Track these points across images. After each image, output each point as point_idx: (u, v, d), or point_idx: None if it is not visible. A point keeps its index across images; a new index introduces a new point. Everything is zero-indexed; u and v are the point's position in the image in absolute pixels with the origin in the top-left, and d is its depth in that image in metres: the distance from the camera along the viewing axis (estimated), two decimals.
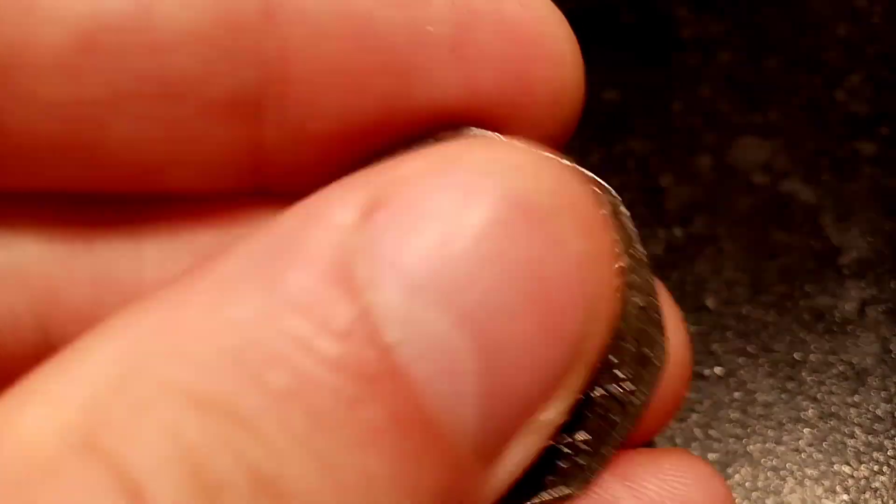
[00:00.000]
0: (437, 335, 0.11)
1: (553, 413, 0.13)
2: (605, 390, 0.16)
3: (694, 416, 0.26)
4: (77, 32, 0.13)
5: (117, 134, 0.14)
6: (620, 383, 0.16)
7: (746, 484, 0.25)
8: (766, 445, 0.26)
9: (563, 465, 0.16)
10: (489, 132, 0.15)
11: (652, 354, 0.16)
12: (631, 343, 0.16)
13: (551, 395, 0.13)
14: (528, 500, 0.17)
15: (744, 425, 0.26)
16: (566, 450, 0.16)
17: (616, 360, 0.16)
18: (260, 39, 0.14)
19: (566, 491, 0.17)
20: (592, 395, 0.16)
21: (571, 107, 0.15)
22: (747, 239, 0.29)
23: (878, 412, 0.26)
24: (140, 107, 0.14)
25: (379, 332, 0.11)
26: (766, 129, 0.31)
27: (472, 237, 0.11)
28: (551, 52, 0.14)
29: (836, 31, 0.33)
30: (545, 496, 0.16)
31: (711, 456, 0.26)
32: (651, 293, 0.16)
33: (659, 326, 0.16)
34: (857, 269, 0.28)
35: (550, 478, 0.17)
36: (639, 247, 0.16)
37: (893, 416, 0.26)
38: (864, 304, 0.28)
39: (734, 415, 0.26)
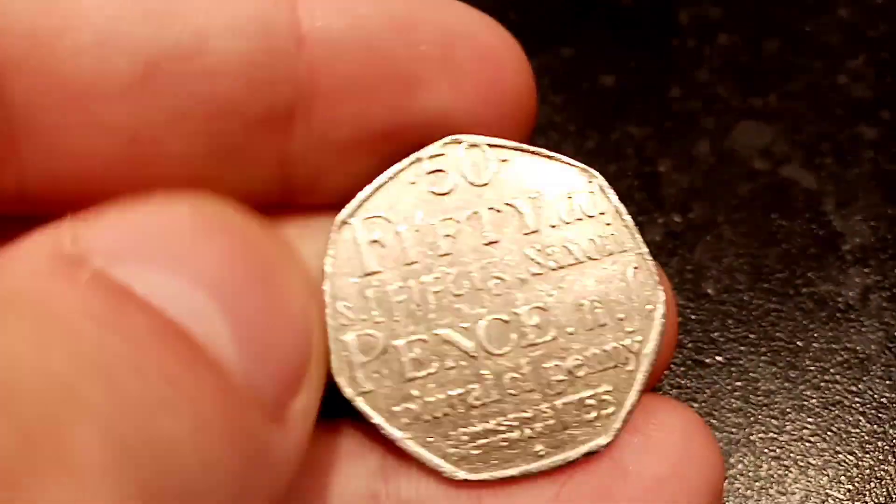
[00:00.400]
0: (179, 294, 0.13)
1: (315, 372, 0.15)
2: (619, 343, 0.17)
3: (695, 406, 0.26)
4: (143, 61, 0.15)
5: (168, 152, 0.16)
6: (631, 336, 0.17)
7: (749, 473, 0.25)
8: (769, 434, 0.25)
9: (591, 418, 0.17)
10: (472, 135, 0.18)
11: (653, 308, 0.17)
12: (634, 300, 0.17)
13: (307, 364, 0.14)
14: (565, 455, 0.17)
15: (745, 414, 0.26)
16: (592, 402, 0.17)
17: (623, 316, 0.17)
18: (293, 62, 0.16)
19: (598, 442, 0.17)
20: (606, 348, 0.17)
21: (530, 105, 0.18)
22: (747, 225, 0.28)
23: (883, 400, 0.26)
24: (191, 126, 0.15)
25: (112, 275, 0.12)
26: (766, 114, 0.30)
27: (177, 233, 0.13)
28: (511, 62, 0.18)
29: (838, 14, 0.32)
30: (581, 450, 0.17)
31: None
32: (643, 255, 0.18)
33: (655, 282, 0.18)
34: (860, 256, 0.28)
35: (582, 432, 0.17)
36: (626, 217, 0.18)
37: None
38: (867, 291, 0.27)
39: (736, 403, 0.26)
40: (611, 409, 0.17)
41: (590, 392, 0.17)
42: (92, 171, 0.15)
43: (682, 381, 0.26)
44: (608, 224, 0.18)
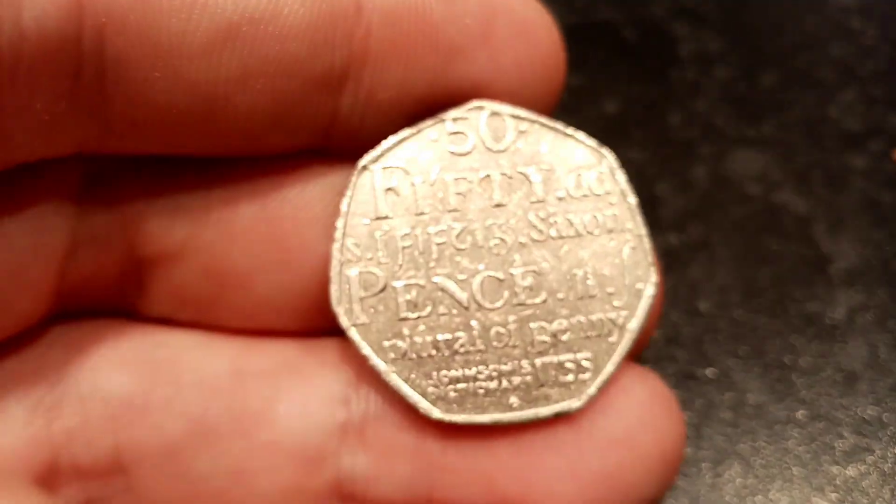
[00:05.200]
0: None
1: None
2: (605, 315, 0.18)
3: (686, 415, 0.27)
4: (224, 24, 0.16)
5: (238, 107, 0.17)
6: (618, 310, 0.18)
7: (737, 481, 0.26)
8: (756, 445, 0.27)
9: (567, 380, 0.18)
10: (496, 103, 0.19)
11: (643, 286, 0.18)
12: (626, 277, 0.18)
13: None
14: (536, 411, 0.18)
15: (734, 425, 0.27)
16: (571, 366, 0.18)
17: (613, 291, 0.19)
18: (352, 26, 0.17)
19: (570, 404, 0.18)
20: (592, 318, 0.18)
21: (558, 80, 0.20)
22: (740, 246, 0.30)
23: (866, 415, 0.27)
24: (259, 84, 0.17)
25: None
26: (761, 143, 0.32)
27: None
28: (546, 38, 0.19)
29: (830, 51, 0.34)
30: (554, 408, 0.18)
31: (702, 454, 0.26)
32: (641, 237, 0.18)
33: (649, 264, 0.19)
34: (847, 277, 0.29)
35: (557, 392, 0.18)
36: (631, 199, 0.19)
37: (881, 420, 0.27)
38: (853, 311, 0.28)
39: (726, 415, 0.27)
40: (587, 375, 0.19)
41: (570, 356, 0.19)
42: (168, 122, 0.17)
43: (676, 392, 0.27)
44: (612, 203, 0.19)
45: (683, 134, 0.32)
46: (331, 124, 0.18)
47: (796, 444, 0.27)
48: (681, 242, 0.30)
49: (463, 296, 0.18)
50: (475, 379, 0.18)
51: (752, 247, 0.30)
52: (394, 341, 0.18)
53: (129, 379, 0.19)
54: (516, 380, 0.18)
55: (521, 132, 0.19)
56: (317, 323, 0.19)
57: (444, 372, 0.18)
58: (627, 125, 0.32)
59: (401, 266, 0.18)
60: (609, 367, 0.19)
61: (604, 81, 0.33)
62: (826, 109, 0.32)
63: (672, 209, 0.30)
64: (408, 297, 0.18)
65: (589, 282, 0.19)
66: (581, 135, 0.19)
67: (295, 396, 0.19)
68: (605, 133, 0.32)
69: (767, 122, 0.32)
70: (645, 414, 0.19)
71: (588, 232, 0.19)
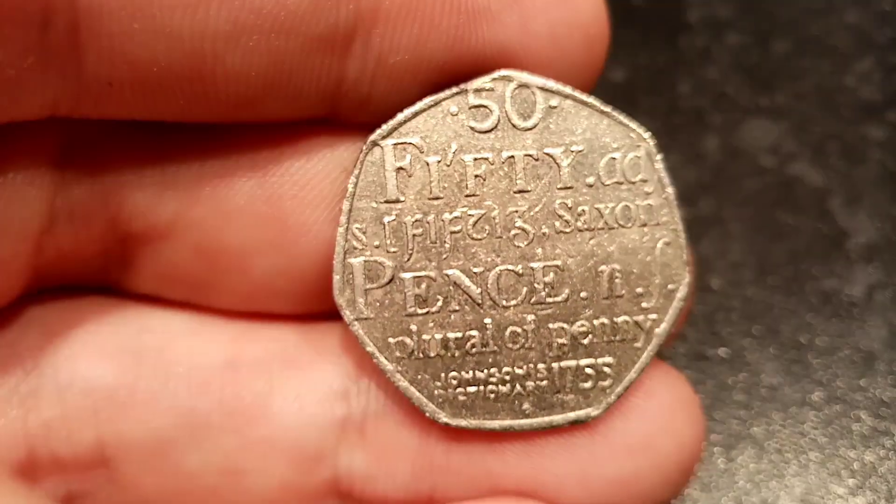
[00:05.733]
0: None
1: None
2: (631, 318, 0.17)
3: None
4: None
5: (229, 66, 0.15)
6: (646, 313, 0.17)
7: (750, 466, 0.25)
8: (771, 428, 0.25)
9: (586, 387, 0.17)
10: (524, 73, 0.17)
11: (675, 288, 0.17)
12: (657, 276, 0.17)
13: None
14: (550, 419, 0.17)
15: (748, 407, 0.26)
16: (591, 372, 0.17)
17: (642, 292, 0.17)
18: None
19: (588, 412, 0.17)
20: (617, 321, 0.17)
21: (600, 50, 0.18)
22: (754, 220, 0.28)
23: (885, 397, 0.26)
24: (253, 41, 0.15)
25: None
26: (774, 112, 0.30)
27: None
28: (588, 4, 0.17)
29: (845, 18, 0.32)
30: (569, 416, 0.17)
31: (714, 437, 0.25)
32: (677, 232, 0.17)
33: (684, 263, 0.17)
34: (865, 253, 0.28)
35: (573, 399, 0.17)
36: (669, 189, 0.17)
37: None
38: (871, 289, 0.27)
39: (739, 397, 0.26)
40: (608, 382, 0.17)
41: (590, 361, 0.17)
42: (150, 82, 0.15)
43: (686, 373, 0.26)
44: (647, 193, 0.17)
45: (693, 103, 0.31)
46: (336, 91, 0.17)
47: (812, 428, 0.25)
48: (692, 217, 0.28)
49: (477, 291, 0.17)
50: (486, 382, 0.17)
51: (766, 221, 0.28)
52: (400, 338, 0.17)
53: (111, 369, 0.17)
54: (531, 384, 0.17)
55: (552, 108, 0.17)
56: (317, 307, 0.18)
57: (453, 373, 0.17)
58: (635, 94, 0.31)
59: (410, 256, 0.17)
60: (632, 375, 0.17)
61: (610, 48, 0.32)
62: (842, 78, 0.31)
63: (682, 182, 0.29)
64: (417, 290, 0.17)
65: (616, 280, 0.17)
66: (619, 114, 0.18)
67: (291, 390, 0.18)
68: (611, 102, 0.31)
69: (781, 91, 0.31)
70: (667, 420, 0.17)
71: (619, 224, 0.17)
